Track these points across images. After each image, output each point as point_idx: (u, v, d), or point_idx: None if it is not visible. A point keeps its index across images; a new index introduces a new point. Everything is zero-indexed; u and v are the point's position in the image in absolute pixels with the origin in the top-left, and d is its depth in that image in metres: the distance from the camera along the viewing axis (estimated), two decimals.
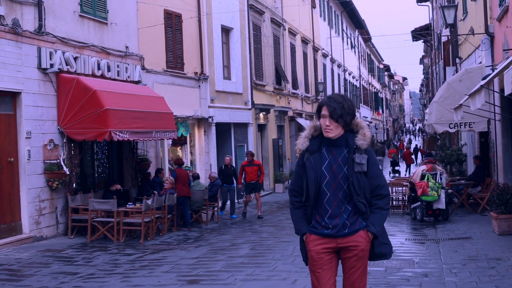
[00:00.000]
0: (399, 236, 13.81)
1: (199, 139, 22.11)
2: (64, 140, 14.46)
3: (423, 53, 63.99)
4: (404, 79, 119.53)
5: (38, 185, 13.68)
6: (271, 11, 29.35)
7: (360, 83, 58.26)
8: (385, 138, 77.92)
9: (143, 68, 17.86)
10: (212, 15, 22.50)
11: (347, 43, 51.09)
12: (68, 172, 14.18)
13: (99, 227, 13.94)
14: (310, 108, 35.90)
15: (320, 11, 40.62)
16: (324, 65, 41.40)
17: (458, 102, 14.31)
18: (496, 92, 12.94)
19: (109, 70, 16.10)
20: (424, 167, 15.90)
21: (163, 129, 16.11)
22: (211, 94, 22.37)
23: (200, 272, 10.14)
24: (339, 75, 46.95)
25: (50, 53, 14.09)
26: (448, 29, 24.46)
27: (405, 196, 17.95)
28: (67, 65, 14.54)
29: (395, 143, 59.57)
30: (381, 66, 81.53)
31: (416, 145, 56.82)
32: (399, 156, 44.88)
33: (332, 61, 44.20)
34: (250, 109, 25.79)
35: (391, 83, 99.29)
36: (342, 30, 48.84)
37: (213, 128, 22.62)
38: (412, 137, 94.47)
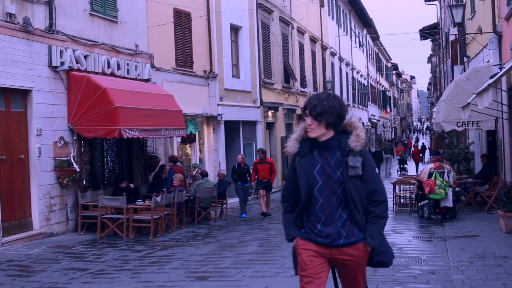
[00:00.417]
0: (407, 234, 13.83)
1: (208, 137, 22.18)
2: (74, 138, 14.57)
3: (431, 52, 63.78)
4: (412, 77, 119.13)
5: (48, 182, 13.79)
6: (279, 10, 29.39)
7: (368, 81, 58.14)
8: (393, 137, 77.74)
9: (152, 66, 17.95)
10: (221, 14, 22.56)
11: (355, 42, 51.04)
12: (78, 169, 14.29)
13: (109, 224, 14.01)
14: None
15: (329, 10, 40.62)
16: (333, 64, 41.38)
17: (466, 101, 14.31)
18: (504, 90, 12.97)
19: (119, 68, 16.19)
20: (431, 165, 15.87)
21: (172, 127, 16.19)
22: (220, 92, 22.44)
23: (208, 268, 10.21)
24: (347, 73, 46.91)
25: (61, 51, 14.20)
26: (456, 28, 24.45)
27: (412, 194, 17.91)
28: (77, 63, 14.65)
29: (404, 141, 59.38)
30: (389, 65, 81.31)
31: (423, 143, 56.70)
32: (407, 154, 44.82)
33: (340, 59, 44.18)
34: (258, 107, 25.84)
35: (399, 81, 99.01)
36: (350, 28, 48.79)
37: (222, 126, 22.69)
38: (419, 135, 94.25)
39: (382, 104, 70.11)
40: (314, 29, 35.97)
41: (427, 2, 38.81)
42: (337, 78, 42.38)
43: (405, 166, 39.08)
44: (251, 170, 19.09)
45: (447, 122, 17.30)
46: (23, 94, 13.45)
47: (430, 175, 15.43)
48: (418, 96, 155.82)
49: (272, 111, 27.55)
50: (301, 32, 33.21)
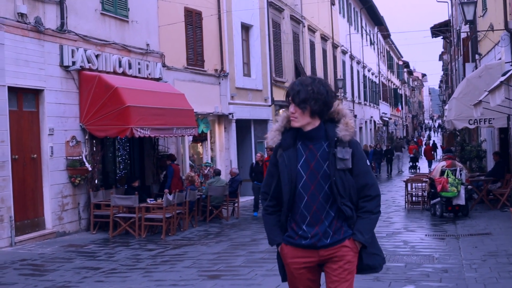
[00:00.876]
0: (419, 232, 13.81)
1: (219, 136, 22.19)
2: (86, 137, 14.62)
3: (443, 50, 63.57)
4: (424, 75, 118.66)
5: (60, 181, 13.84)
6: (290, 8, 29.36)
7: (379, 79, 58.00)
8: (405, 135, 77.54)
9: (163, 65, 17.98)
10: (232, 13, 22.56)
11: (366, 40, 50.92)
12: (90, 168, 14.33)
13: (121, 223, 14.05)
14: None
15: (339, 8, 40.55)
16: (344, 62, 41.32)
17: (478, 98, 14.25)
18: None
19: (130, 67, 16.23)
20: (443, 163, 15.84)
21: (183, 126, 16.20)
22: (231, 91, 22.44)
23: (220, 267, 10.21)
24: (358, 71, 46.82)
25: (72, 51, 14.24)
26: (467, 26, 24.31)
27: (424, 192, 17.88)
28: (89, 62, 14.69)
29: (415, 140, 59.22)
30: (400, 63, 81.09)
31: (434, 141, 56.53)
32: (419, 152, 44.73)
33: (352, 57, 44.10)
34: (270, 106, 25.82)
35: (411, 79, 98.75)
36: (361, 26, 48.69)
37: (233, 125, 22.70)
38: (431, 133, 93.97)
39: (393, 102, 69.93)
40: (325, 27, 35.92)
41: (438, 0, 38.68)
42: (348, 76, 42.31)
43: (416, 164, 38.99)
44: None
45: (459, 119, 17.24)
46: (35, 94, 13.51)
47: (442, 173, 15.41)
48: (430, 93, 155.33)
49: (283, 109, 27.45)
50: (312, 30, 33.16)
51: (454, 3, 36.13)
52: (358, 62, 46.88)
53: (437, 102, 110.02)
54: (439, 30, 43.94)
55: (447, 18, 41.82)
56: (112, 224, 13.97)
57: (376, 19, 53.69)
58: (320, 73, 34.26)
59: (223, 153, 22.18)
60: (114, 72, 15.53)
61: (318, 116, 4.06)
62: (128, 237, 13.78)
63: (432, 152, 41.44)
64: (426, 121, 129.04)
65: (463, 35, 29.34)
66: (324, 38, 35.79)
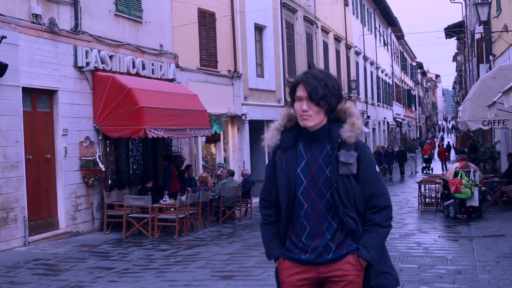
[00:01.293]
0: (432, 233, 13.77)
1: (232, 136, 22.19)
2: (100, 137, 14.65)
3: (456, 51, 63.39)
4: (437, 76, 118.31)
5: (74, 182, 13.88)
6: (303, 9, 29.34)
7: (392, 80, 57.83)
8: (418, 136, 77.26)
9: (177, 66, 18.00)
10: (245, 13, 22.56)
11: (380, 41, 50.80)
12: (103, 169, 14.36)
13: (134, 223, 14.07)
14: None
15: (353, 8, 40.47)
16: (357, 63, 41.23)
17: (492, 100, 14.15)
18: None
19: (144, 68, 16.27)
20: (457, 164, 15.78)
21: (197, 126, 16.21)
22: (245, 92, 22.44)
23: (233, 268, 10.19)
24: (371, 72, 46.71)
25: (86, 52, 14.29)
26: (481, 26, 24.23)
27: (438, 194, 17.79)
28: (102, 63, 14.74)
29: (428, 141, 58.98)
30: (414, 64, 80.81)
31: (448, 142, 56.33)
32: (433, 153, 44.56)
33: (365, 58, 44.00)
34: (283, 107, 25.74)
35: (424, 80, 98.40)
36: (375, 27, 48.57)
37: (246, 126, 22.70)
38: (444, 134, 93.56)
39: (407, 103, 69.70)
40: (338, 28, 35.86)
41: (452, 0, 38.54)
42: (362, 77, 42.22)
43: (429, 165, 38.84)
44: None
45: (473, 121, 17.13)
46: (49, 94, 13.56)
47: (456, 174, 15.34)
48: (443, 95, 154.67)
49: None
50: (325, 31, 33.12)
51: (468, 3, 35.99)
52: (372, 63, 46.77)
53: (451, 103, 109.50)
54: (453, 31, 43.77)
55: (461, 19, 41.67)
56: (125, 224, 13.98)
57: (389, 20, 53.53)
58: (333, 74, 34.16)
59: (236, 154, 22.18)
60: (128, 73, 15.58)
61: (327, 115, 3.65)
62: (141, 237, 13.79)
63: (446, 154, 41.29)
64: (439, 122, 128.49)
65: (477, 36, 29.22)
66: (337, 39, 35.73)
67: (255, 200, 19.65)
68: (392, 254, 10.70)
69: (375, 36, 48.31)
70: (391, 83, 56.72)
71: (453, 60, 73.81)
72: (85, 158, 14.18)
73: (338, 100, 3.63)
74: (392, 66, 57.82)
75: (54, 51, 13.48)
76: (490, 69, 21.81)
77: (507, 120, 16.48)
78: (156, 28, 17.18)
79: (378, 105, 48.29)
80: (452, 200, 15.52)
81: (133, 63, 15.84)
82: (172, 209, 14.32)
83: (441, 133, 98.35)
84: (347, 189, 3.55)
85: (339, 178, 3.54)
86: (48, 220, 13.39)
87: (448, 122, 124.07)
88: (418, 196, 18.84)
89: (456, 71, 72.81)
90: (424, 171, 37.34)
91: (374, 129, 45.59)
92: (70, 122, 13.87)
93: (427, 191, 19.28)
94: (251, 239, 13.69)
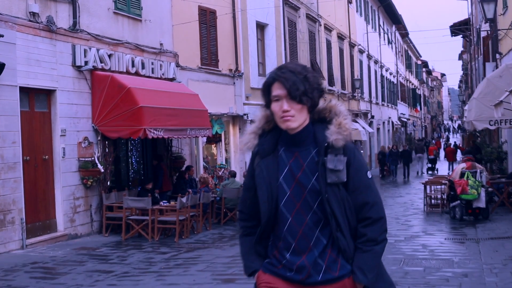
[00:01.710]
0: (438, 236, 13.72)
1: (234, 137, 22.05)
2: (99, 138, 14.50)
3: (462, 49, 63.13)
4: (443, 75, 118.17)
5: (72, 183, 13.73)
6: (306, 7, 29.17)
7: (397, 79, 57.75)
8: (423, 136, 77.11)
9: (177, 65, 17.85)
10: (246, 11, 22.42)
11: (384, 39, 50.61)
12: (102, 170, 14.21)
13: (134, 225, 13.91)
14: (347, 105, 35.56)
15: (356, 6, 40.29)
16: (361, 61, 41.08)
17: (499, 99, 14.01)
18: None
19: (143, 67, 16.11)
20: (463, 164, 15.70)
21: (197, 127, 16.05)
22: (246, 91, 22.28)
23: (235, 271, 10.03)
24: (375, 71, 46.55)
25: (85, 51, 14.14)
26: (487, 24, 24.02)
27: (444, 195, 17.70)
28: (101, 62, 14.58)
29: (433, 141, 58.81)
30: (419, 62, 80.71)
31: (455, 142, 56.12)
32: (439, 153, 44.39)
33: (369, 57, 43.84)
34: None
35: (429, 79, 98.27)
36: (379, 25, 48.39)
37: (248, 126, 22.50)
38: (450, 134, 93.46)
39: (412, 103, 69.60)
40: (341, 26, 35.70)
41: None
42: (366, 76, 42.07)
43: (435, 165, 38.66)
44: None
45: (479, 120, 16.98)
46: (47, 94, 13.42)
47: (462, 175, 15.32)
48: (449, 94, 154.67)
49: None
50: (328, 29, 32.96)
51: (474, 1, 35.80)
52: (376, 62, 46.61)
53: (457, 103, 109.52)
54: (459, 28, 43.57)
55: (467, 17, 41.47)
56: (124, 227, 13.85)
57: (394, 18, 53.34)
58: (336, 73, 34.09)
59: (237, 155, 22.02)
60: (127, 72, 15.42)
61: (310, 113, 3.26)
62: (141, 240, 13.65)
63: (454, 154, 41.00)
64: (445, 122, 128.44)
65: (483, 34, 29.03)
66: (341, 37, 35.57)
67: None
68: (397, 256, 10.69)
69: (379, 34, 48.11)
70: (395, 82, 56.63)
71: (459, 59, 73.54)
72: (83, 159, 14.02)
73: (320, 95, 3.23)
74: (397, 65, 57.71)
75: (52, 50, 13.33)
76: (497, 67, 21.65)
77: None
78: (156, 26, 17.01)
79: (383, 105, 48.14)
80: (458, 202, 15.47)
81: (133, 62, 15.68)
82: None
83: (447, 133, 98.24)
84: (337, 199, 3.13)
85: (328, 187, 3.13)
86: (46, 222, 13.24)
87: (454, 121, 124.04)
88: (424, 197, 18.77)
89: (462, 69, 72.62)
90: (429, 172, 37.14)
91: (378, 129, 45.45)
92: (69, 123, 13.71)
93: (432, 192, 19.19)
94: None
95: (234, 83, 21.53)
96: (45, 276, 10.00)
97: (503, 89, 14.25)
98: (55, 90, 13.42)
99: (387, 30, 52.81)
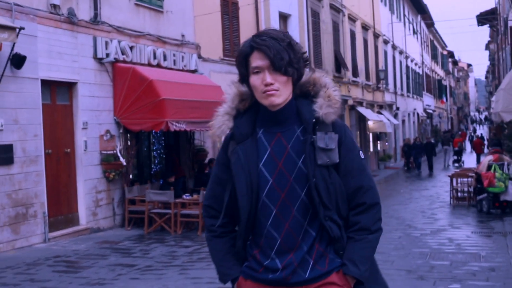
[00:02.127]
0: (465, 229, 13.55)
1: None
2: (121, 131, 14.45)
3: (489, 39, 62.36)
4: (469, 65, 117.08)
5: (94, 176, 13.70)
6: None
7: (422, 70, 57.21)
8: (449, 127, 76.42)
9: (199, 56, 17.73)
10: (269, 2, 22.26)
11: (409, 29, 50.10)
12: (124, 163, 14.16)
13: (156, 219, 13.84)
14: (371, 97, 35.28)
15: None
16: (385, 52, 40.67)
17: None
18: None
19: (165, 59, 16.00)
20: (490, 157, 15.50)
21: None
22: None
23: None
24: (400, 62, 46.09)
25: (106, 43, 14.07)
26: None
27: (471, 188, 17.47)
28: (123, 54, 14.50)
29: (459, 133, 58.23)
30: (445, 53, 79.95)
31: (481, 134, 55.57)
32: (464, 145, 43.90)
33: (394, 47, 43.42)
34: None
35: (455, 70, 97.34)
36: (404, 15, 47.88)
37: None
38: (476, 126, 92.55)
39: (437, 94, 68.93)
40: (366, 16, 35.34)
41: None
42: (390, 67, 41.68)
43: (460, 157, 38.21)
44: None
45: (507, 112, 16.67)
46: (68, 87, 13.37)
47: (489, 167, 15.16)
48: (476, 85, 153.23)
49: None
50: (352, 19, 32.64)
51: None
52: (401, 52, 46.14)
53: (484, 94, 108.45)
54: (486, 18, 42.99)
55: (493, 6, 40.89)
56: (147, 220, 13.77)
57: (419, 7, 52.77)
58: (361, 64, 33.77)
59: None
60: (149, 64, 15.33)
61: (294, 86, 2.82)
62: (164, 234, 13.58)
63: (482, 146, 40.53)
64: (472, 114, 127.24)
65: (510, 23, 28.56)
66: (365, 28, 35.23)
67: None
68: (423, 250, 10.55)
69: (404, 24, 47.61)
70: (421, 73, 56.10)
71: (486, 49, 72.71)
72: (105, 152, 13.97)
73: (306, 65, 2.80)
74: (422, 55, 57.16)
75: (73, 42, 13.27)
76: None
77: None
78: (177, 17, 16.88)
79: (408, 96, 47.70)
80: (485, 194, 15.28)
81: (154, 54, 15.58)
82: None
83: (474, 124, 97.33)
84: (327, 185, 2.70)
85: (317, 171, 2.70)
86: (68, 216, 13.23)
87: (480, 113, 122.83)
88: (450, 190, 18.51)
89: (489, 60, 71.83)
90: (456, 164, 36.71)
91: (403, 121, 45.04)
92: (90, 115, 13.66)
93: (459, 185, 18.90)
94: None
95: None
96: (67, 270, 9.98)
97: None
98: (77, 82, 13.37)
99: (412, 20, 52.27)
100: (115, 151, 14.15)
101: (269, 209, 2.74)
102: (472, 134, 53.39)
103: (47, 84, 12.68)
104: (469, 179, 18.00)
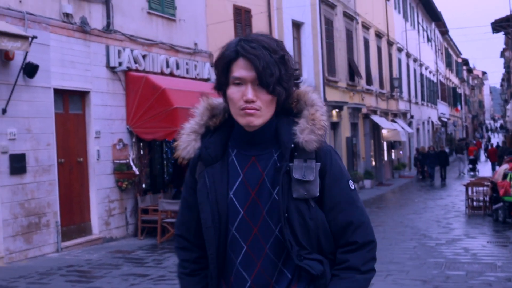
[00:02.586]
0: (481, 239, 13.46)
1: None
2: (133, 140, 14.44)
3: (504, 46, 62.00)
4: (484, 73, 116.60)
5: (107, 186, 13.68)
6: (343, 4, 28.80)
7: (437, 78, 57.00)
8: (464, 136, 76.04)
9: (212, 65, 17.68)
10: (282, 10, 22.19)
11: (423, 37, 49.95)
12: (137, 172, 14.15)
13: (169, 228, 13.77)
14: (385, 105, 35.12)
15: (395, 3, 39.75)
16: (399, 60, 40.54)
17: None
18: None
19: (178, 67, 15.99)
20: (506, 165, 15.40)
21: None
22: None
23: None
24: (415, 70, 45.93)
25: (119, 51, 14.08)
26: None
27: (486, 197, 17.34)
28: (135, 63, 14.50)
29: (474, 142, 57.91)
30: (459, 60, 79.67)
31: (497, 143, 55.20)
32: (479, 153, 43.64)
33: (408, 55, 43.27)
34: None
35: (470, 77, 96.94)
36: (418, 22, 47.74)
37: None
38: (491, 134, 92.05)
39: (452, 102, 68.63)
40: (379, 24, 35.24)
41: None
42: (405, 75, 41.52)
43: (475, 166, 37.97)
44: None
45: None
46: (81, 96, 13.38)
47: (505, 176, 15.05)
48: (491, 93, 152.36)
49: (337, 110, 26.91)
50: (366, 27, 32.55)
51: None
52: (415, 60, 45.98)
53: (499, 102, 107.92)
54: (500, 25, 42.70)
55: (509, 13, 40.65)
56: (160, 230, 13.71)
57: (433, 15, 52.64)
58: (374, 72, 33.66)
59: None
60: (162, 73, 15.33)
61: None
62: None
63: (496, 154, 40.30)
64: (487, 122, 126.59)
65: None
66: (378, 35, 35.12)
67: None
68: (438, 260, 10.45)
69: (418, 32, 47.46)
70: (435, 81, 55.89)
71: (501, 56, 72.31)
72: (118, 161, 13.96)
73: (297, 84, 2.39)
74: (437, 63, 56.95)
75: (85, 51, 13.29)
76: None
77: None
78: (190, 26, 16.88)
79: (422, 104, 47.50)
80: (501, 204, 15.18)
81: (167, 62, 15.57)
82: None
83: (489, 133, 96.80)
84: (305, 220, 2.29)
85: (291, 204, 2.28)
86: (81, 225, 13.21)
87: (495, 121, 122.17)
88: (465, 200, 18.42)
89: (504, 67, 71.41)
90: (471, 173, 36.46)
91: (418, 129, 44.82)
92: (103, 124, 13.65)
93: (474, 194, 18.78)
94: None
95: None
96: (80, 280, 9.96)
97: None
98: (89, 91, 13.37)
99: (427, 27, 52.12)
100: (127, 160, 14.13)
101: (239, 245, 2.34)
102: (487, 143, 52.99)
103: (59, 93, 12.69)
104: (485, 188, 17.90)
